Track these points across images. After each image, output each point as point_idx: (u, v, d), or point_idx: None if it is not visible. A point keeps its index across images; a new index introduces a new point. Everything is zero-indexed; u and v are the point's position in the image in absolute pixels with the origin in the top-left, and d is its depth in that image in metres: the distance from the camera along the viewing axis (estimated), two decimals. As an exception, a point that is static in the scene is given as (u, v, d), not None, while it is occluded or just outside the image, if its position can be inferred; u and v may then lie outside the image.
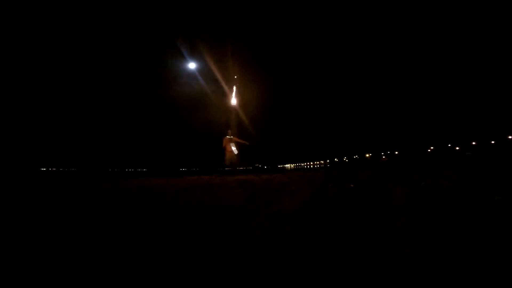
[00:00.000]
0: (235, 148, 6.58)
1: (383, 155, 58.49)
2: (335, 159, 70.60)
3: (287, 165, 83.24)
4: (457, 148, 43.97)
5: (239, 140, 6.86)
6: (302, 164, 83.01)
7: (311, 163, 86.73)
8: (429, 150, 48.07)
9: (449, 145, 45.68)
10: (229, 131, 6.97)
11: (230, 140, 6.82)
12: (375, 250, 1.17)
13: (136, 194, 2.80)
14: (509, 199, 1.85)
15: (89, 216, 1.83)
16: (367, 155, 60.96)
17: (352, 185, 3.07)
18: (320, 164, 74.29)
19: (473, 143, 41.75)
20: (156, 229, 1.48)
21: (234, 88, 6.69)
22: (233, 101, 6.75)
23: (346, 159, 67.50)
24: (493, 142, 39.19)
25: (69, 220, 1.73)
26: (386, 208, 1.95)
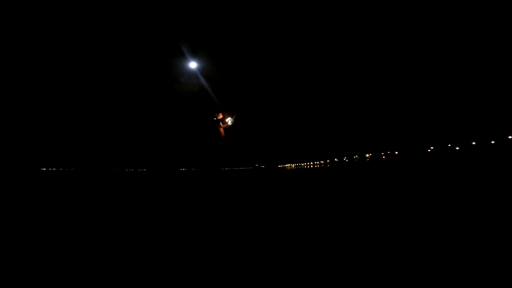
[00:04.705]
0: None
1: (383, 155, 58.51)
2: (335, 159, 70.67)
3: (287, 165, 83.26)
4: (457, 148, 43.98)
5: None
6: (302, 164, 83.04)
7: (311, 163, 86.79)
8: (429, 150, 48.09)
9: (449, 145, 45.67)
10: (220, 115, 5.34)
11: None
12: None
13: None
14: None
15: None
16: (367, 155, 61.01)
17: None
18: (320, 164, 74.33)
19: (473, 143, 41.76)
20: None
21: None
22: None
23: (346, 159, 67.58)
24: (493, 142, 39.21)
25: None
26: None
